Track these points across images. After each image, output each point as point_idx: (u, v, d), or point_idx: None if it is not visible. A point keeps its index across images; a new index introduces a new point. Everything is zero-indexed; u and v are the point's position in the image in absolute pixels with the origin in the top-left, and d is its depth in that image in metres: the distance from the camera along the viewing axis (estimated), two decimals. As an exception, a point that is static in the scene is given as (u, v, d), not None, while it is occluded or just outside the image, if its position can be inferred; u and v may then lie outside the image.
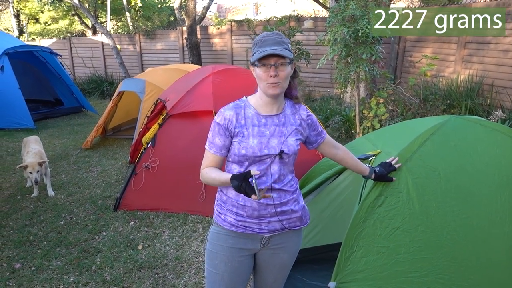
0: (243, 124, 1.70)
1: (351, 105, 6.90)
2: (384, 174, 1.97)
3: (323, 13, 14.58)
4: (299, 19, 9.50)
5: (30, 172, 4.47)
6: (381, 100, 5.50)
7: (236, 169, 1.74)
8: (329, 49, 5.35)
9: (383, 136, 2.62)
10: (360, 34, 4.96)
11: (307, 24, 9.00)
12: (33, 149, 4.73)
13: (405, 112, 5.78)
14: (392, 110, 5.82)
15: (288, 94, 1.77)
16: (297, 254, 1.92)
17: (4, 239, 3.71)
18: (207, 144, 1.76)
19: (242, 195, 1.63)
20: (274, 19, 9.49)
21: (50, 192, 4.69)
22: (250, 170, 1.59)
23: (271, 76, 1.60)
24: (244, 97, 1.79)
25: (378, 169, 1.98)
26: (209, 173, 1.73)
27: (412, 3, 13.61)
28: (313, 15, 11.18)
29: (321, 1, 9.19)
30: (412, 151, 2.10)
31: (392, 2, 11.76)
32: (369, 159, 2.26)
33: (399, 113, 5.77)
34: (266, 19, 10.03)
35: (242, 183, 1.54)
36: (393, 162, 2.03)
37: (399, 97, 6.07)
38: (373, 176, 1.97)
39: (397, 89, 6.17)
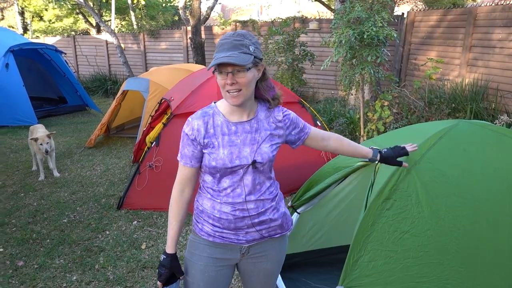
0: (213, 134, 1.58)
1: (356, 107, 6.88)
2: (391, 157, 1.86)
3: (328, 14, 14.58)
4: (303, 20, 9.49)
5: (41, 144, 4.93)
6: (386, 103, 5.49)
7: (209, 180, 1.64)
8: (334, 50, 5.34)
9: (390, 139, 2.60)
10: (365, 36, 4.95)
11: (312, 25, 8.99)
12: (40, 132, 5.19)
13: (410, 115, 5.76)
14: (397, 113, 5.81)
15: (260, 98, 1.65)
16: (283, 261, 1.83)
17: (7, 236, 3.70)
18: (178, 154, 1.66)
19: (218, 208, 1.61)
20: (279, 20, 9.47)
21: (56, 173, 5.20)
22: (180, 276, 1.67)
23: (227, 84, 1.48)
24: (213, 103, 1.67)
25: (385, 150, 1.87)
26: (171, 208, 1.68)
27: (416, 6, 13.59)
28: (317, 17, 11.17)
29: (326, 3, 9.16)
30: (421, 154, 2.08)
31: (397, 5, 11.76)
32: (376, 162, 2.25)
33: (404, 116, 5.75)
34: (270, 20, 10.02)
35: (165, 274, 1.64)
36: (409, 148, 1.91)
37: (403, 100, 6.05)
38: (378, 157, 1.87)
39: (402, 92, 6.15)
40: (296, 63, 7.99)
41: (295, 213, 2.65)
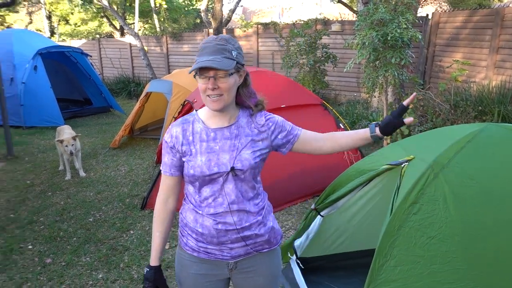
0: (191, 141, 1.54)
1: (379, 109, 6.80)
2: (391, 121, 1.58)
3: (349, 16, 14.48)
4: (325, 22, 9.45)
5: (66, 145, 5.08)
6: (410, 106, 5.40)
7: (191, 190, 1.59)
8: (357, 52, 5.30)
9: (417, 142, 2.57)
10: (389, 38, 4.89)
11: (334, 27, 8.94)
12: (66, 133, 5.32)
13: (435, 118, 5.66)
14: (421, 116, 5.71)
15: (241, 105, 1.60)
16: (278, 275, 1.73)
17: (35, 234, 3.81)
18: (161, 163, 1.63)
19: (200, 222, 1.55)
20: (300, 22, 9.46)
21: (81, 173, 5.36)
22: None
23: (209, 89, 1.45)
24: (194, 111, 1.63)
25: (386, 118, 1.61)
26: (154, 218, 1.64)
27: (440, 7, 13.35)
28: (339, 19, 11.11)
29: (349, 4, 9.11)
30: (449, 158, 2.04)
31: (420, 6, 11.57)
32: (402, 165, 2.22)
33: (429, 119, 5.65)
34: (292, 22, 10.01)
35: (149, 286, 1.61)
36: (406, 120, 1.59)
37: (428, 102, 5.95)
38: (377, 130, 1.60)
39: (426, 94, 6.05)
40: (318, 65, 7.96)
41: (318, 216, 2.64)
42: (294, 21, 9.98)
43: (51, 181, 5.19)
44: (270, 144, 1.61)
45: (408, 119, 1.58)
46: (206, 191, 1.54)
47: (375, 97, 6.65)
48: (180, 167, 1.58)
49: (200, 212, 1.55)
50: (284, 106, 4.42)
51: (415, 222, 1.86)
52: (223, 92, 1.46)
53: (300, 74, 8.12)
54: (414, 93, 1.68)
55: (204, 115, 1.58)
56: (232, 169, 1.50)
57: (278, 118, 1.64)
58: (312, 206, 2.69)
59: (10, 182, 5.19)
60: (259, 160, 1.56)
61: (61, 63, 9.57)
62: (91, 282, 3.06)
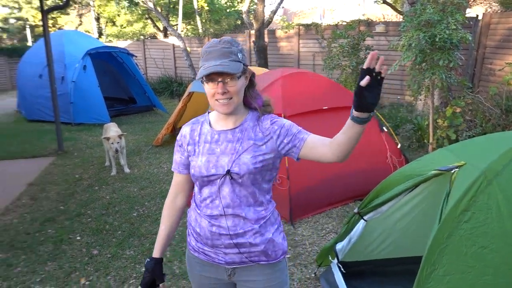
0: (197, 141, 1.55)
1: (424, 113, 6.60)
2: (355, 92, 1.27)
3: (392, 17, 14.12)
4: (369, 23, 9.27)
5: (112, 143, 5.28)
6: (458, 109, 5.20)
7: (196, 189, 1.60)
8: (402, 54, 5.16)
9: (466, 147, 2.47)
10: (437, 40, 4.74)
11: (379, 28, 8.76)
12: (113, 131, 5.51)
13: (485, 123, 5.41)
14: (470, 121, 5.48)
15: (249, 106, 1.57)
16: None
17: (83, 226, 3.99)
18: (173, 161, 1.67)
19: (199, 222, 1.55)
20: (343, 24, 9.33)
21: (126, 169, 5.57)
22: (160, 283, 1.60)
23: (218, 93, 1.42)
24: (207, 112, 1.62)
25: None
26: (163, 213, 1.67)
27: (490, 7, 12.76)
28: (382, 20, 10.87)
29: (393, 5, 8.89)
30: (503, 164, 1.95)
31: (469, 6, 11.11)
32: (452, 171, 2.14)
33: (478, 124, 5.42)
34: (334, 23, 9.90)
35: (146, 278, 1.59)
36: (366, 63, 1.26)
37: (477, 106, 5.70)
38: (353, 111, 1.30)
39: (476, 98, 5.80)
40: (360, 67, 7.82)
41: (362, 220, 2.60)
42: (336, 22, 9.85)
43: (98, 176, 5.41)
44: (276, 148, 1.51)
45: (364, 80, 1.23)
46: (206, 192, 1.54)
47: (420, 100, 6.45)
48: (188, 165, 1.60)
49: (199, 212, 1.56)
50: (325, 108, 4.38)
51: (466, 231, 1.79)
52: (232, 95, 1.44)
53: (342, 76, 8.01)
54: (378, 56, 1.26)
55: (213, 117, 1.58)
56: (228, 172, 1.47)
57: (285, 121, 1.54)
58: (355, 210, 2.64)
59: (60, 175, 5.46)
60: (261, 166, 1.49)
61: (108, 63, 9.96)
62: (134, 275, 3.16)
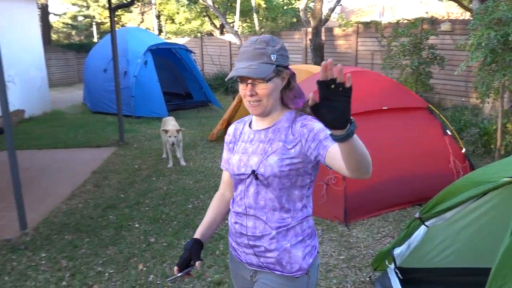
0: (237, 140, 1.58)
1: (492, 117, 6.20)
2: (313, 108, 1.07)
3: (457, 15, 13.39)
4: (433, 21, 8.85)
5: (169, 136, 5.46)
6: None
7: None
8: (470, 54, 4.88)
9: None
10: (510, 39, 4.43)
11: (444, 27, 8.33)
12: (171, 124, 5.71)
13: (561, 129, 5.00)
14: (544, 127, 5.09)
15: (287, 106, 1.51)
16: None
17: (141, 214, 4.16)
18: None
19: (230, 217, 1.57)
20: (405, 22, 8.99)
21: (182, 162, 5.71)
22: (196, 262, 1.50)
23: (247, 95, 1.40)
24: None
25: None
26: (211, 203, 1.69)
27: None
28: (446, 17, 10.33)
29: (461, 2, 8.41)
30: None
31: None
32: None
33: (553, 130, 5.01)
34: (395, 21, 9.56)
35: (183, 256, 1.52)
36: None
37: (553, 112, 5.27)
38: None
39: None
40: (423, 66, 7.50)
41: (423, 226, 2.49)
42: (397, 20, 9.51)
43: (155, 167, 5.62)
44: (305, 152, 1.40)
45: (310, 100, 1.05)
46: (238, 189, 1.54)
47: (488, 103, 6.09)
48: None
49: (231, 207, 1.59)
50: (386, 108, 4.24)
51: (544, 244, 1.66)
52: (261, 98, 1.41)
53: (402, 76, 7.73)
54: (335, 64, 1.01)
55: (254, 117, 1.56)
56: (253, 172, 1.45)
57: (316, 124, 1.39)
58: (416, 215, 2.54)
59: (121, 165, 5.74)
60: (288, 170, 1.41)
61: (168, 59, 10.29)
62: (189, 265, 3.25)
